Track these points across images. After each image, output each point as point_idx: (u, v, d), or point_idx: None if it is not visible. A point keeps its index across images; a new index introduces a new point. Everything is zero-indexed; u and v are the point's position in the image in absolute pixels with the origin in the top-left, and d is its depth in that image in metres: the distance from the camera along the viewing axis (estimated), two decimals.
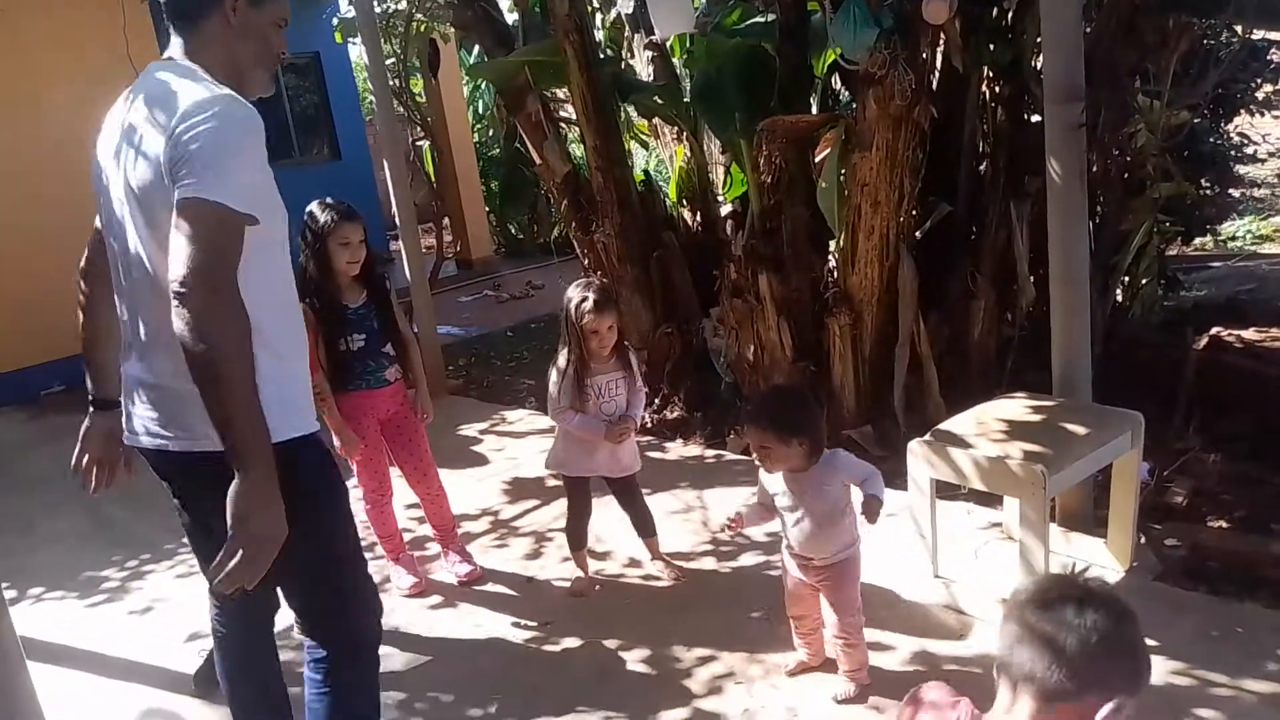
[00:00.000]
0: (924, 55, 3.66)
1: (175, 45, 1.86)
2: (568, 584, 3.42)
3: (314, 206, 3.09)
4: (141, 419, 1.90)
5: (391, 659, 3.07)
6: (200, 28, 1.84)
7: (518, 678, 2.91)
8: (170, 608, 3.57)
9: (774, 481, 2.53)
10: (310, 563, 1.91)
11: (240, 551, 1.63)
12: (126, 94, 1.85)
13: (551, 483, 4.37)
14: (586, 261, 5.08)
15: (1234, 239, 6.76)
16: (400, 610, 3.34)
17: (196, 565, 3.70)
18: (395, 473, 3.47)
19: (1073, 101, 2.88)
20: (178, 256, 1.59)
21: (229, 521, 1.63)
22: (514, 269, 9.49)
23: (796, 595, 2.64)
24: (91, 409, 2.18)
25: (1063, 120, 2.91)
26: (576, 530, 3.34)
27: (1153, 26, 3.55)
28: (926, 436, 2.90)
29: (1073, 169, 2.94)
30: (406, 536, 3.72)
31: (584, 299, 3.03)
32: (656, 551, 3.43)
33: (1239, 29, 5.20)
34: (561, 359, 3.13)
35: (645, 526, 3.39)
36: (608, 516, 3.47)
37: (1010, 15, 3.99)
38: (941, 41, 3.93)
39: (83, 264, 2.09)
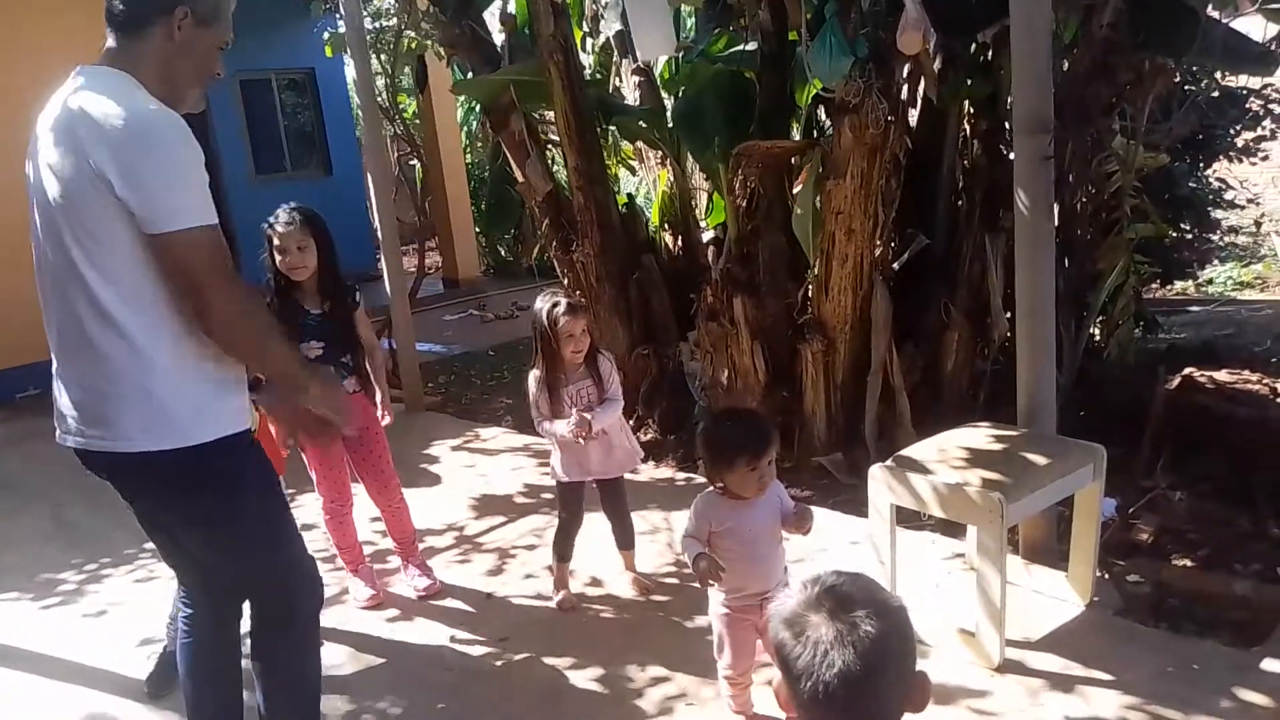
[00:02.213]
0: (899, 85, 3.69)
1: (110, 49, 1.87)
2: (529, 600, 3.39)
3: (279, 209, 3.10)
4: (72, 418, 1.92)
5: (343, 669, 3.03)
6: (141, 38, 1.85)
7: (469, 693, 2.87)
8: (125, 611, 3.52)
9: (724, 512, 2.41)
10: (234, 542, 2.02)
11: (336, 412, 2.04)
12: (59, 98, 1.85)
13: (520, 500, 4.36)
14: (566, 281, 5.09)
15: (1210, 283, 6.80)
16: (356, 622, 3.30)
17: (155, 569, 3.72)
18: (359, 487, 3.45)
19: (1041, 133, 2.90)
20: (187, 287, 1.75)
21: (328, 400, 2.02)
22: (501, 290, 9.50)
23: (746, 646, 2.47)
24: None
25: (1031, 152, 2.93)
26: (564, 542, 3.31)
27: (1127, 66, 3.59)
28: (888, 462, 2.89)
29: (1040, 200, 2.96)
30: (368, 549, 3.69)
31: (555, 304, 3.05)
32: (631, 564, 3.43)
33: (1217, 75, 5.31)
34: (534, 372, 3.13)
35: (625, 538, 3.39)
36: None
37: (989, 50, 4.03)
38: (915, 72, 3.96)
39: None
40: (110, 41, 1.87)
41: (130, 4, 1.84)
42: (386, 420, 3.37)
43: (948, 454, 2.87)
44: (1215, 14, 3.39)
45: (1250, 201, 6.08)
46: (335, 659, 3.08)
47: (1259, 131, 5.50)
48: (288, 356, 1.98)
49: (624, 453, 3.26)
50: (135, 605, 3.55)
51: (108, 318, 1.81)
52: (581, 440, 3.07)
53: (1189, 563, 3.30)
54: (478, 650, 3.09)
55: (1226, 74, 5.32)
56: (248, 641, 2.28)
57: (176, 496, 1.96)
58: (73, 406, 1.92)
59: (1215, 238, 5.73)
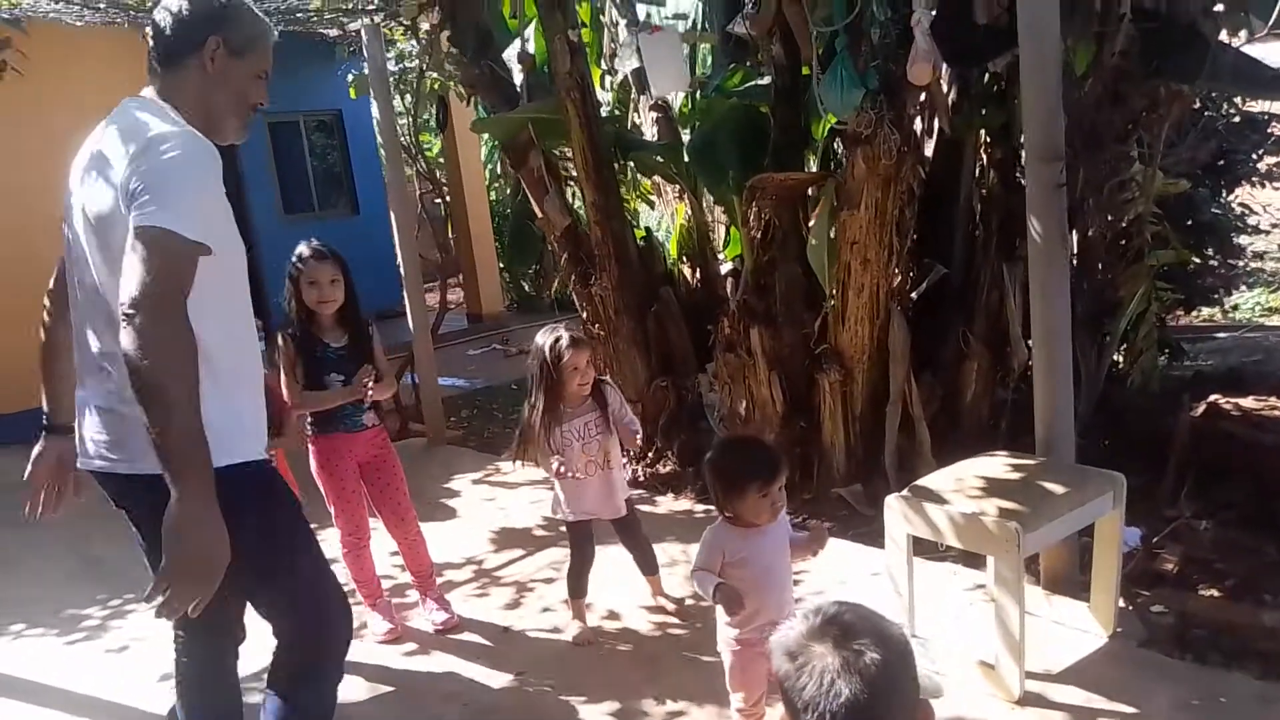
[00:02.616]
0: (911, 116, 3.71)
1: (152, 82, 1.91)
2: (546, 634, 3.39)
3: (300, 246, 3.17)
4: (92, 441, 1.91)
5: (360, 705, 3.03)
6: (177, 70, 1.89)
7: None
8: (147, 647, 3.55)
9: (737, 542, 2.39)
10: (260, 571, 1.91)
11: (174, 574, 1.62)
12: (101, 125, 1.90)
13: (539, 533, 4.36)
14: (585, 315, 5.12)
15: (1236, 309, 6.71)
16: (373, 656, 3.31)
17: None
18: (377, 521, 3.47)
19: (1053, 161, 2.91)
20: (128, 279, 1.63)
21: (164, 545, 1.62)
22: (524, 324, 9.56)
23: (758, 677, 2.41)
24: (44, 432, 2.20)
25: (1043, 179, 2.93)
26: (578, 578, 3.31)
27: (1141, 93, 3.59)
28: (904, 492, 2.87)
29: (1053, 227, 2.96)
30: (387, 583, 3.70)
31: (558, 339, 3.05)
32: (659, 589, 3.44)
33: (1238, 100, 5.29)
34: (531, 408, 3.11)
35: (648, 564, 3.40)
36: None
37: (1003, 80, 4.04)
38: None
39: (51, 284, 2.13)
40: (151, 78, 1.92)
41: (165, 39, 1.88)
42: (389, 389, 3.33)
43: (964, 483, 2.85)
44: (1228, 39, 3.40)
45: (1275, 226, 6.01)
46: (351, 693, 3.08)
47: None
48: (192, 433, 1.64)
49: (620, 491, 3.26)
50: (157, 640, 3.55)
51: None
52: (592, 471, 3.11)
53: (1215, 593, 3.23)
54: (494, 684, 3.09)
55: (1246, 100, 5.33)
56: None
57: None
58: (88, 428, 1.92)
59: (1239, 263, 5.66)
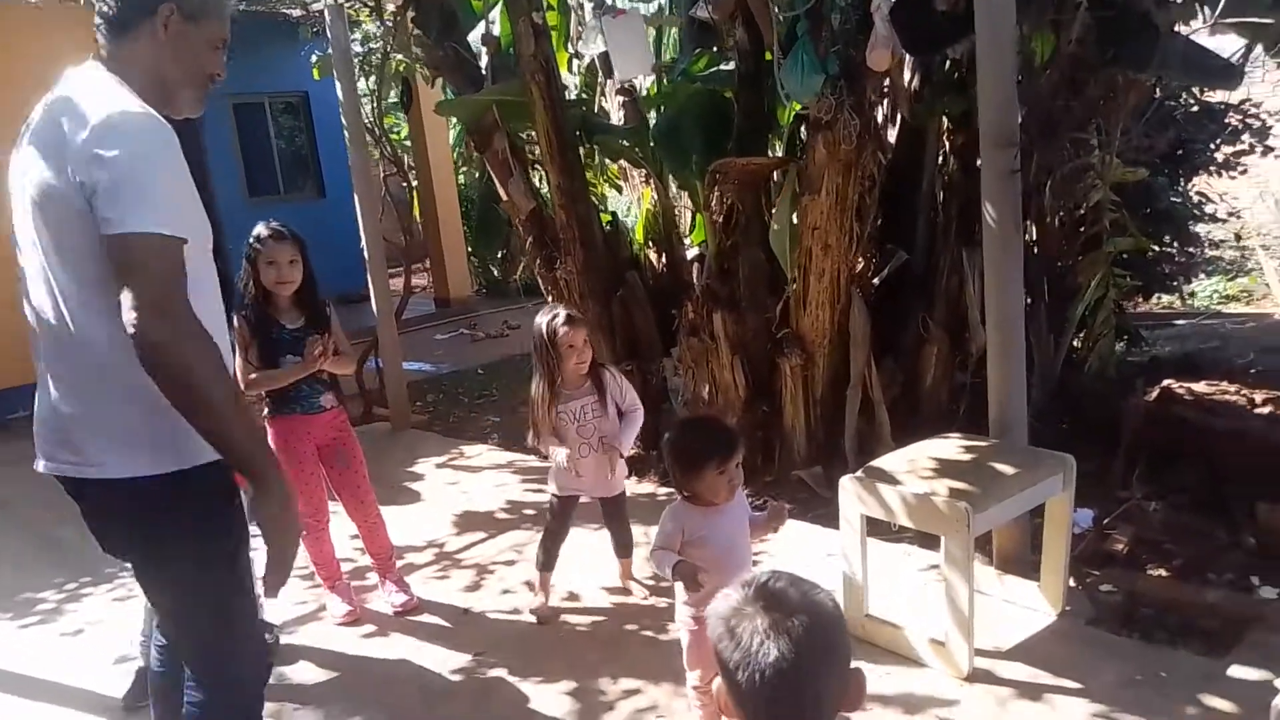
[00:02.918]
0: (872, 102, 3.73)
1: (100, 54, 1.80)
2: (505, 616, 3.40)
3: (258, 226, 3.14)
4: (42, 441, 1.83)
5: (317, 687, 3.04)
6: (128, 39, 1.78)
7: (442, 708, 2.88)
8: (102, 630, 3.53)
9: (696, 520, 2.43)
10: (191, 600, 1.84)
11: (283, 557, 1.71)
12: (46, 99, 1.79)
13: (502, 516, 4.37)
14: (550, 298, 5.11)
15: (1193, 296, 6.83)
16: (331, 638, 3.31)
17: (133, 588, 3.72)
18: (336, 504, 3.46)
19: (1007, 147, 2.94)
20: (125, 297, 1.56)
21: (264, 530, 1.69)
22: (492, 309, 9.54)
23: (707, 656, 2.48)
24: None
25: (998, 165, 2.97)
26: (550, 551, 3.34)
27: (1098, 81, 3.63)
28: (858, 473, 2.91)
29: (1008, 213, 2.99)
30: (347, 566, 3.69)
31: (554, 316, 3.11)
32: (629, 572, 3.47)
33: (1196, 90, 5.36)
34: (537, 387, 3.16)
35: (624, 547, 3.45)
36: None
37: (964, 67, 4.07)
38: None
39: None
40: (100, 44, 1.80)
41: (115, 5, 1.77)
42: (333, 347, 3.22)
43: (917, 465, 2.89)
44: (1181, 29, 3.44)
45: (1232, 215, 6.11)
46: (308, 675, 3.09)
47: (1238, 146, 5.54)
48: (240, 420, 1.66)
49: (620, 475, 3.32)
50: (113, 624, 3.55)
51: (79, 329, 1.71)
52: (585, 453, 3.15)
53: (1163, 573, 3.31)
54: (452, 665, 3.10)
55: (1205, 90, 5.40)
56: None
57: (136, 528, 1.81)
58: (41, 425, 1.83)
59: (1197, 251, 5.75)
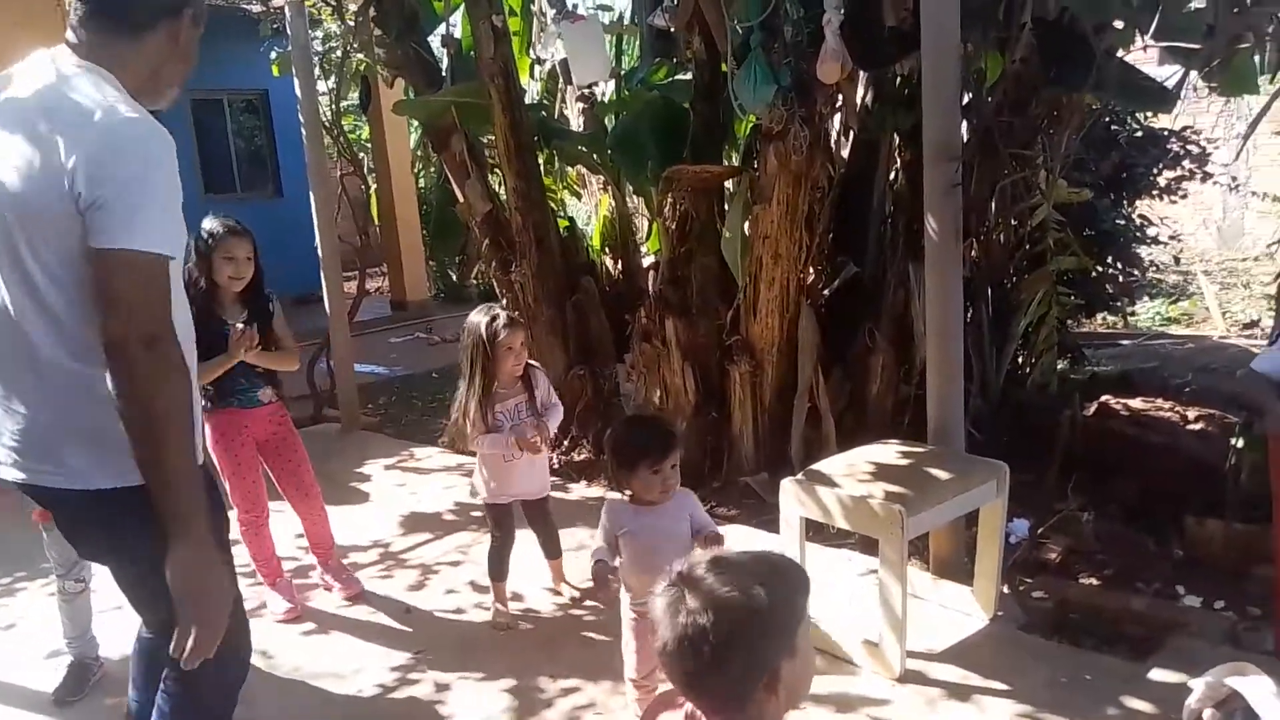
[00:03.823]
0: (823, 114, 3.81)
1: (82, 44, 1.68)
2: (448, 615, 3.40)
3: (206, 220, 3.12)
4: (6, 449, 1.76)
5: (255, 685, 2.98)
6: (137, 39, 1.70)
7: (376, 708, 2.87)
8: (34, 625, 3.46)
9: (626, 517, 2.45)
10: (165, 605, 1.75)
11: (196, 625, 1.57)
12: (16, 84, 1.67)
13: (449, 517, 4.36)
14: (505, 302, 5.12)
15: (1134, 315, 7.01)
16: (272, 635, 3.28)
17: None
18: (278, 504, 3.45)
19: (949, 161, 3.01)
20: (107, 313, 1.52)
21: (175, 594, 1.57)
22: (449, 314, 9.50)
23: (650, 650, 2.50)
24: None
25: (940, 180, 3.04)
26: (499, 560, 3.33)
27: (1042, 100, 3.73)
28: (799, 476, 2.95)
29: (949, 226, 3.06)
30: (290, 564, 3.67)
31: (494, 318, 3.07)
32: (560, 574, 3.48)
33: (1142, 116, 5.52)
34: (466, 387, 3.12)
35: (553, 549, 3.45)
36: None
37: (915, 83, 4.16)
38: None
39: None
40: (82, 36, 1.68)
41: (131, 5, 1.69)
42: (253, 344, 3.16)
43: (856, 469, 2.94)
44: (1121, 54, 3.56)
45: (1173, 238, 6.28)
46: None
47: (1179, 171, 5.70)
48: (191, 471, 1.61)
49: (545, 472, 3.33)
50: (46, 618, 3.47)
51: (60, 336, 1.64)
52: (520, 454, 3.10)
53: (1094, 581, 3.40)
54: (393, 663, 3.09)
55: (1149, 115, 5.56)
56: None
57: (118, 536, 1.77)
58: (11, 436, 1.74)
59: (1138, 273, 5.90)
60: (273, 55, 6.18)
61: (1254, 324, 7.13)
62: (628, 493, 2.49)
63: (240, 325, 3.07)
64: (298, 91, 5.54)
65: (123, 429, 1.56)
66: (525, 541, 3.47)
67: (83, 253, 1.56)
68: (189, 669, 1.61)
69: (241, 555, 3.48)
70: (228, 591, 1.64)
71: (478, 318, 3.12)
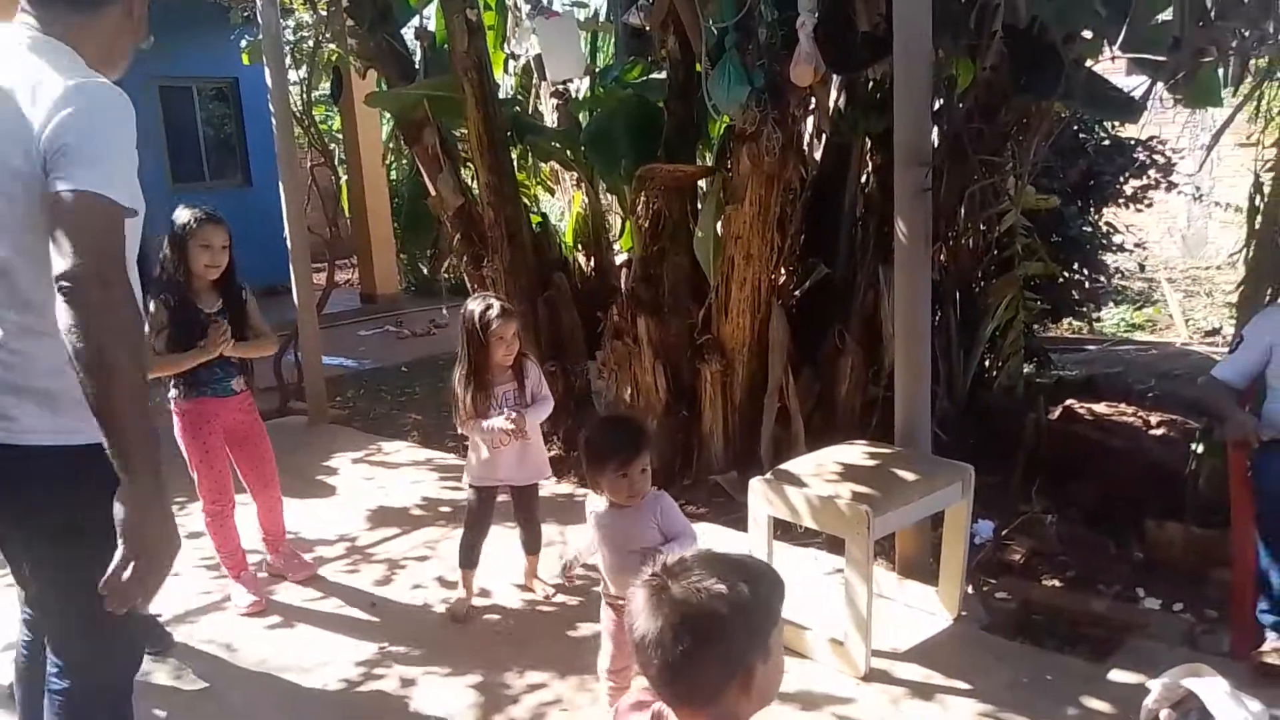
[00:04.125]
0: (796, 116, 3.83)
1: (39, 17, 1.72)
2: (415, 609, 3.39)
3: (180, 208, 3.14)
4: None
5: (217, 676, 2.98)
6: (96, 14, 1.75)
7: (342, 701, 2.85)
8: None
9: (599, 514, 2.46)
10: (67, 580, 1.76)
11: (134, 564, 1.54)
12: None
13: (417, 512, 4.34)
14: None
15: (1098, 320, 7.11)
16: (237, 629, 3.25)
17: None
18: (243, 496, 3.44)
19: (919, 165, 3.04)
20: (64, 251, 1.51)
21: (122, 530, 1.54)
22: (420, 307, 9.45)
23: (624, 645, 2.37)
24: None
25: (910, 184, 3.07)
26: (471, 548, 3.33)
27: (1011, 107, 3.78)
28: (767, 475, 2.97)
29: (918, 230, 3.10)
30: (255, 558, 3.64)
31: (488, 307, 3.10)
32: (534, 571, 3.48)
33: (1109, 125, 5.60)
34: (459, 372, 3.16)
35: (532, 543, 3.46)
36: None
37: (885, 87, 4.19)
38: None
39: None
40: (39, 10, 1.71)
41: None
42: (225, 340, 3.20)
43: (824, 469, 2.97)
44: (1090, 63, 3.61)
45: (1139, 246, 6.38)
46: (213, 668, 3.03)
47: (1145, 180, 5.79)
48: (142, 412, 1.57)
49: (538, 460, 3.34)
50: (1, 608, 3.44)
51: (13, 291, 1.66)
52: (508, 439, 3.12)
53: (1056, 582, 3.44)
54: (359, 657, 3.07)
55: (1117, 125, 5.65)
56: None
57: (44, 499, 1.73)
58: None
59: (1104, 280, 5.99)
60: (243, 44, 6.12)
61: (1215, 331, 7.26)
62: (600, 490, 2.49)
63: (219, 323, 3.10)
64: (268, 81, 5.49)
65: (74, 381, 1.54)
66: (498, 537, 3.47)
67: (43, 207, 1.56)
68: (112, 609, 1.56)
69: (206, 548, 3.47)
70: (175, 536, 1.60)
71: (473, 305, 3.15)
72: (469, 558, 3.33)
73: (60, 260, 1.52)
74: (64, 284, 1.51)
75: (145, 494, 1.55)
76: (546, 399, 3.29)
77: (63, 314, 1.51)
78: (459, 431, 3.31)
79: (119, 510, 1.55)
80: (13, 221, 1.63)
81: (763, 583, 1.31)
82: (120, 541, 1.55)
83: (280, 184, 5.58)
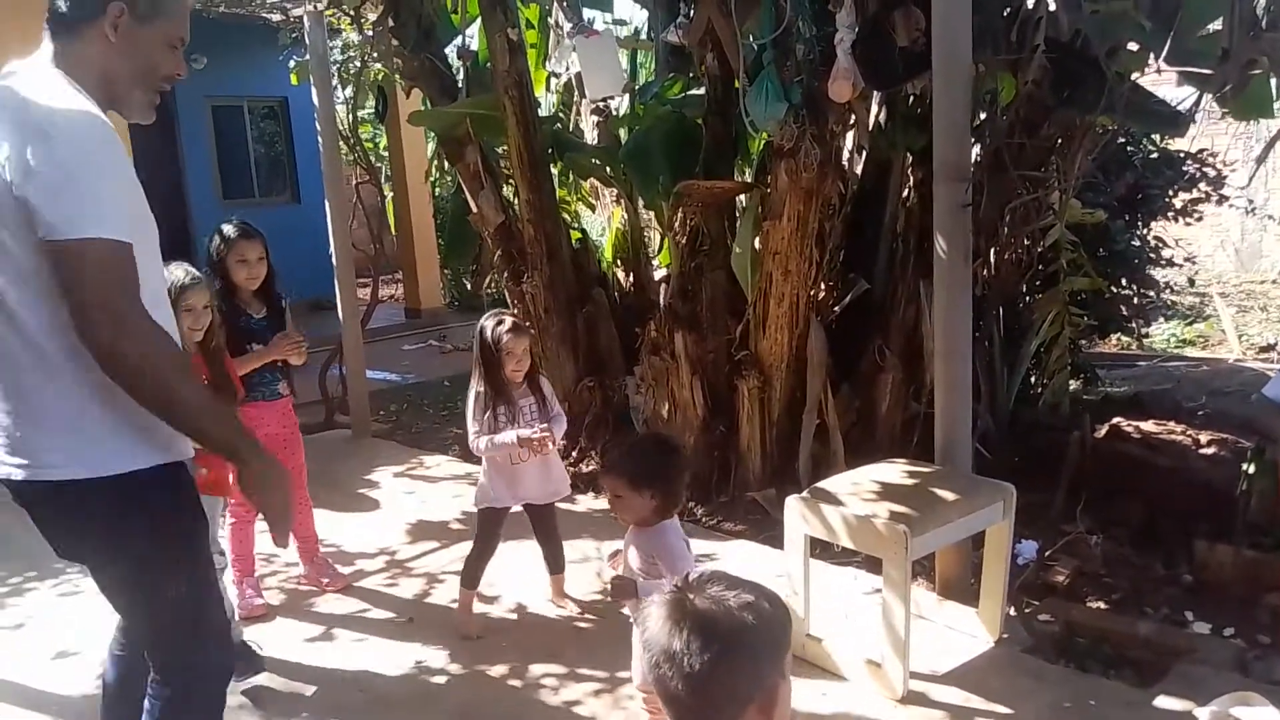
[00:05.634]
0: (834, 132, 3.81)
1: (46, 48, 1.73)
2: (450, 625, 3.40)
3: (222, 225, 3.31)
4: None
5: (256, 689, 3.02)
6: (79, 39, 1.71)
7: (380, 712, 2.88)
8: (42, 625, 3.50)
9: (626, 536, 2.48)
10: (154, 598, 1.84)
11: (279, 513, 1.82)
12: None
13: (456, 526, 4.37)
14: (516, 312, 5.14)
15: (1147, 336, 6.97)
16: (272, 637, 3.30)
17: (80, 584, 3.70)
18: None
19: (959, 181, 3.02)
20: (73, 304, 1.56)
21: (257, 499, 1.82)
22: (463, 322, 9.53)
23: None
24: None
25: (950, 199, 3.04)
26: (475, 569, 3.34)
27: (1054, 121, 3.73)
28: (804, 494, 2.95)
29: (958, 246, 3.06)
30: (295, 571, 3.70)
31: (499, 322, 3.15)
32: (561, 590, 3.48)
33: (1157, 138, 5.50)
34: (474, 390, 3.18)
35: (556, 563, 3.46)
36: (499, 560, 3.45)
37: (925, 102, 4.16)
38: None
39: None
40: (46, 43, 1.73)
41: (67, 3, 1.70)
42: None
43: (861, 488, 2.94)
44: (1135, 77, 3.55)
45: (1188, 260, 6.25)
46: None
47: (1195, 194, 5.68)
48: (211, 410, 1.73)
49: (558, 478, 3.34)
50: (55, 619, 3.52)
51: (21, 331, 1.66)
52: (526, 456, 3.13)
53: (1102, 605, 3.37)
54: (394, 672, 3.09)
55: (1165, 138, 5.54)
56: None
57: (94, 532, 1.78)
58: None
59: (1152, 294, 5.87)
60: (291, 64, 6.25)
61: (1270, 347, 7.07)
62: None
63: (288, 335, 3.35)
64: (315, 100, 5.60)
65: (98, 418, 1.69)
66: (529, 549, 3.48)
67: (28, 248, 1.60)
68: (281, 545, 1.90)
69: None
70: (285, 476, 1.84)
71: (486, 321, 3.20)
72: (472, 578, 3.34)
73: (76, 318, 1.58)
74: (82, 336, 1.58)
75: (257, 463, 1.77)
76: (560, 416, 3.30)
77: (104, 368, 1.61)
78: (474, 454, 3.28)
79: (248, 484, 1.78)
80: (13, 270, 1.64)
81: (778, 603, 1.30)
82: (263, 504, 1.83)
83: (326, 201, 5.66)
